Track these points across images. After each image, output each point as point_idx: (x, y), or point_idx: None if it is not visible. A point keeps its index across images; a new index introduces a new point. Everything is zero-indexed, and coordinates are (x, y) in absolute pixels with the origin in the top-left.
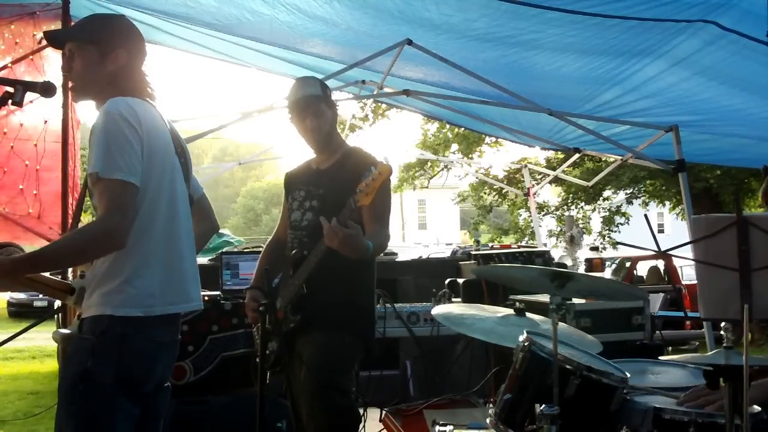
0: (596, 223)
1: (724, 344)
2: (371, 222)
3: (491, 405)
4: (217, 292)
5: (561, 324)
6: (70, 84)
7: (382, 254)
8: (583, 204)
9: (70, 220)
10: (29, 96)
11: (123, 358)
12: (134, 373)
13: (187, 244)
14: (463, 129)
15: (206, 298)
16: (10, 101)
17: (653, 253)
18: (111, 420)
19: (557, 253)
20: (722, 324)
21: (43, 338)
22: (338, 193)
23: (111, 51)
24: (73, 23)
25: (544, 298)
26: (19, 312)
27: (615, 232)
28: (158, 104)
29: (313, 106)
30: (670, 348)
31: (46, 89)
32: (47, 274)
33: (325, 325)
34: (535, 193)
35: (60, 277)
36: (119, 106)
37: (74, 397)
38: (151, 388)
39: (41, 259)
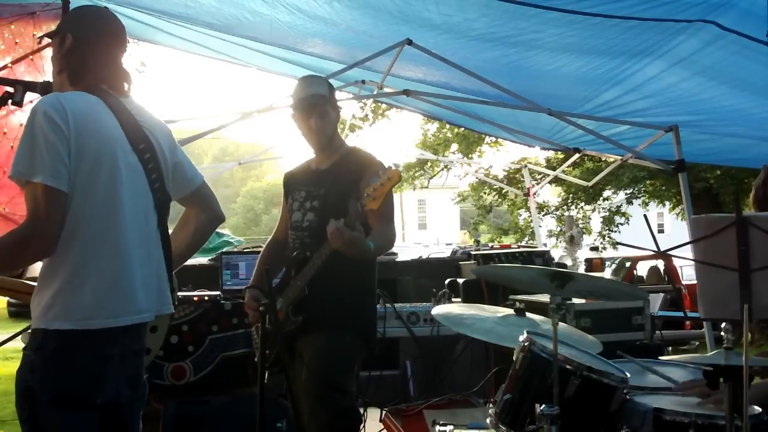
0: (596, 223)
1: (724, 345)
2: (377, 222)
3: (491, 405)
4: (217, 292)
5: (561, 324)
6: None
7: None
8: (583, 204)
9: None
10: (29, 96)
11: (60, 375)
12: (75, 391)
13: (140, 249)
14: (463, 129)
15: (206, 298)
16: (10, 101)
17: (653, 253)
18: None
19: (557, 253)
20: (722, 324)
21: None
22: (339, 194)
23: (63, 38)
24: None
25: (544, 298)
26: (19, 312)
27: (615, 232)
28: (132, 96)
29: (319, 106)
30: (670, 348)
31: (46, 89)
32: (11, 278)
33: (327, 325)
34: (535, 193)
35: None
36: (45, 103)
37: (22, 416)
38: (103, 401)
39: None
